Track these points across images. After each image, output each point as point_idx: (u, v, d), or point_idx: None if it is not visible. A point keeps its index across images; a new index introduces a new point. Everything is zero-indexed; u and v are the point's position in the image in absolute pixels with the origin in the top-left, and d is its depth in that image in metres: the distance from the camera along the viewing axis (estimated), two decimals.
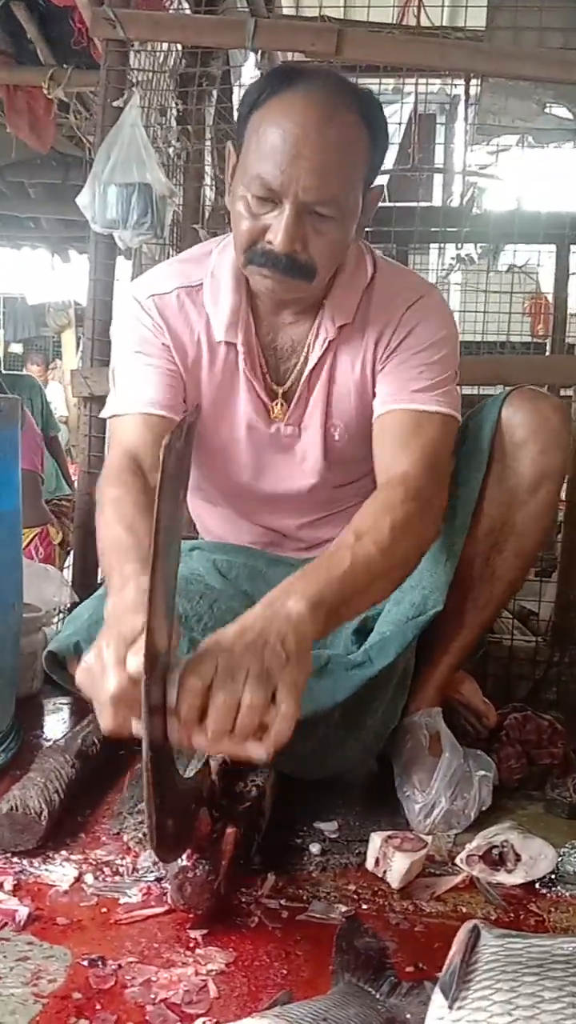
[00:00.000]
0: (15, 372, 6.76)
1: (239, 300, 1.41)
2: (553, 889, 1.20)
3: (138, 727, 0.95)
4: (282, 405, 1.46)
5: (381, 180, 1.41)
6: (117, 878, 1.18)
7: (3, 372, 4.99)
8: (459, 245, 4.57)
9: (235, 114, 1.35)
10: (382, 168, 1.38)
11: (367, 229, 1.51)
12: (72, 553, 2.34)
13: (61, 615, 2.03)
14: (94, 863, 1.21)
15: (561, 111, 2.06)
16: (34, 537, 3.44)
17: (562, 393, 2.57)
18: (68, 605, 2.04)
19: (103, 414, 1.53)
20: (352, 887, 1.19)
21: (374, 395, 1.44)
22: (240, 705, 0.95)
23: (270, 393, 1.46)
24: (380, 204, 1.42)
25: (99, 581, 2.11)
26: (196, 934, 1.05)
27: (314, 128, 1.20)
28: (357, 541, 1.17)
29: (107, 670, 0.96)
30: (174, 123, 2.59)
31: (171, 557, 1.01)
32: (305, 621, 1.04)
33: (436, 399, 1.38)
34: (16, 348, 11.62)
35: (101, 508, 1.30)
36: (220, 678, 0.95)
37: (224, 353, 1.44)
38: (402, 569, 1.25)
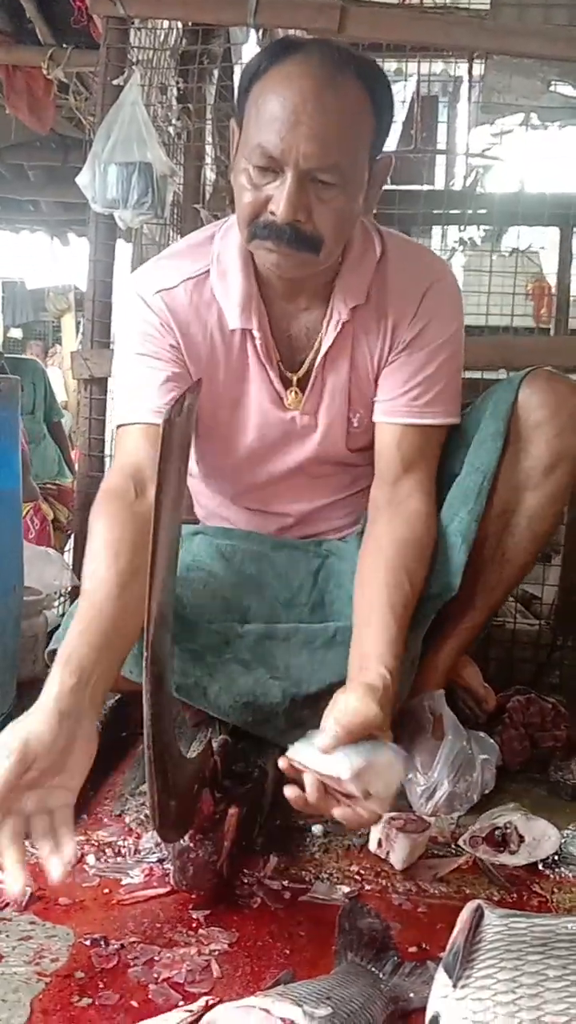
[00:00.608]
0: (18, 356, 6.71)
1: (250, 285, 1.37)
2: (556, 870, 1.20)
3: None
4: (296, 394, 1.43)
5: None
6: (119, 859, 1.18)
7: (7, 356, 4.96)
8: (462, 228, 4.54)
9: (236, 92, 1.32)
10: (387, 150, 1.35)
11: (372, 211, 1.48)
12: (72, 536, 2.33)
13: (62, 598, 2.02)
14: (96, 844, 1.21)
15: (566, 89, 2.03)
16: (29, 510, 3.44)
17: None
18: (69, 588, 2.04)
19: (113, 424, 1.49)
20: (355, 868, 1.19)
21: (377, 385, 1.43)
22: None
23: (284, 381, 1.42)
24: (385, 187, 1.40)
25: None
26: (199, 914, 1.05)
27: (313, 94, 1.17)
28: (413, 595, 1.29)
29: None
30: (175, 102, 2.56)
31: (171, 542, 1.01)
32: (390, 683, 1.16)
33: (443, 411, 1.42)
34: (16, 333, 11.59)
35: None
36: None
37: (239, 342, 1.40)
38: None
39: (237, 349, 1.41)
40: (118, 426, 1.42)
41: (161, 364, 1.38)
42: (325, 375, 1.42)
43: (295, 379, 1.42)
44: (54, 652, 1.39)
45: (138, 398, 1.37)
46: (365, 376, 1.43)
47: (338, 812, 1.04)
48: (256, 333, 1.38)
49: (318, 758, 1.02)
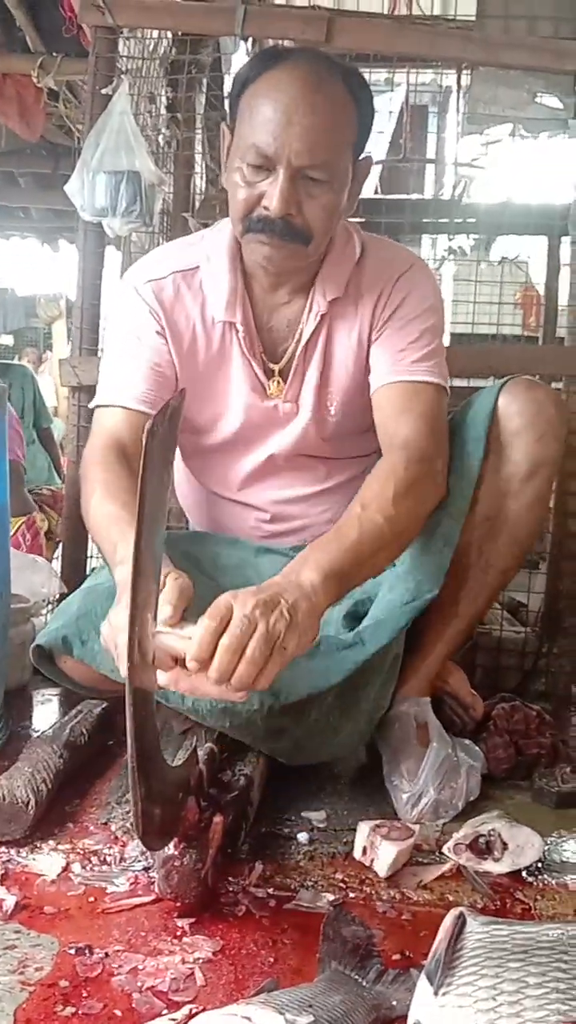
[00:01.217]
0: (7, 361, 6.72)
1: (236, 280, 1.44)
2: (540, 877, 1.21)
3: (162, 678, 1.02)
4: (279, 383, 1.49)
5: (374, 166, 1.44)
6: (104, 867, 1.18)
7: None
8: (451, 236, 4.57)
9: (226, 102, 1.39)
10: (374, 156, 1.41)
11: (360, 221, 1.53)
12: (61, 544, 2.33)
13: (50, 606, 2.02)
14: (82, 852, 1.21)
15: (552, 101, 2.05)
16: (20, 525, 3.44)
17: (553, 385, 2.57)
18: (57, 596, 2.03)
19: (91, 404, 1.53)
20: (339, 876, 1.19)
21: (368, 368, 1.47)
22: (242, 655, 1.00)
23: (267, 372, 1.49)
24: (372, 196, 1.45)
25: (87, 572, 2.11)
26: (183, 923, 1.05)
27: (303, 97, 1.27)
28: (363, 511, 1.23)
29: (123, 631, 1.00)
30: (164, 111, 2.57)
31: (156, 542, 1.01)
32: (318, 591, 1.10)
33: (430, 370, 1.43)
34: (7, 340, 11.57)
35: (91, 489, 1.32)
36: (232, 626, 1.01)
37: (221, 333, 1.47)
38: (407, 534, 1.31)
39: (220, 340, 1.47)
40: (97, 406, 1.47)
41: (146, 351, 1.45)
42: (305, 364, 1.49)
43: (277, 369, 1.49)
44: (40, 647, 1.41)
45: (120, 381, 1.44)
46: (341, 362, 1.49)
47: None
48: (240, 326, 1.45)
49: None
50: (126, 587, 1.02)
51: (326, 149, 1.28)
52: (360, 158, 1.39)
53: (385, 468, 1.32)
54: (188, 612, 1.06)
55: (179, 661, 1.02)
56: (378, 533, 1.21)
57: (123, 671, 0.99)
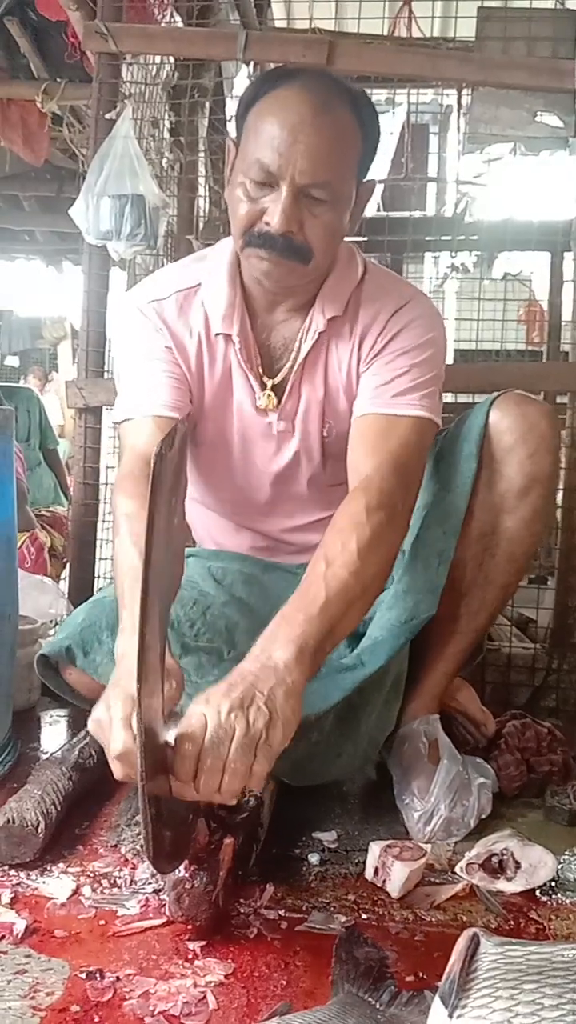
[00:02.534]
0: (12, 384, 6.76)
1: (234, 293, 1.44)
2: (553, 896, 1.20)
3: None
4: (270, 397, 1.47)
5: (376, 183, 1.44)
6: (115, 890, 1.17)
7: (0, 384, 5.00)
8: (453, 254, 4.59)
9: (228, 125, 1.40)
10: (376, 177, 1.41)
11: (362, 240, 1.53)
12: (68, 564, 2.33)
13: (57, 627, 2.02)
14: (92, 875, 1.20)
15: (552, 119, 2.07)
16: (25, 540, 3.45)
17: (557, 400, 2.57)
18: (64, 617, 2.04)
19: (113, 419, 1.53)
20: (351, 897, 1.18)
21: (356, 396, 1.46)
22: (225, 768, 0.99)
23: (261, 384, 1.48)
24: (375, 214, 1.46)
25: (95, 592, 2.11)
26: (194, 945, 1.05)
27: (310, 116, 1.27)
28: (328, 569, 1.18)
29: (113, 727, 1.01)
30: (167, 135, 2.60)
31: (166, 574, 1.01)
32: (292, 671, 1.07)
33: (412, 403, 1.39)
34: (12, 361, 11.64)
35: (116, 523, 1.31)
36: (208, 744, 0.99)
37: (222, 347, 1.47)
38: (376, 585, 1.26)
39: (221, 354, 1.47)
40: (123, 421, 1.45)
41: (161, 364, 1.45)
42: (302, 383, 1.47)
43: (271, 384, 1.47)
44: (44, 657, 1.41)
45: (143, 394, 1.43)
46: (335, 387, 1.47)
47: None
48: (236, 338, 1.44)
49: None
50: (122, 675, 1.05)
51: (330, 169, 1.29)
52: (364, 181, 1.39)
53: (346, 519, 1.25)
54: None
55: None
56: (345, 590, 1.17)
57: (115, 774, 1.01)
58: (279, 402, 1.47)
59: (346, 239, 1.44)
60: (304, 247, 1.32)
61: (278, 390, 1.47)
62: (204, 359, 1.47)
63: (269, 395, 1.47)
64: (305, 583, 1.19)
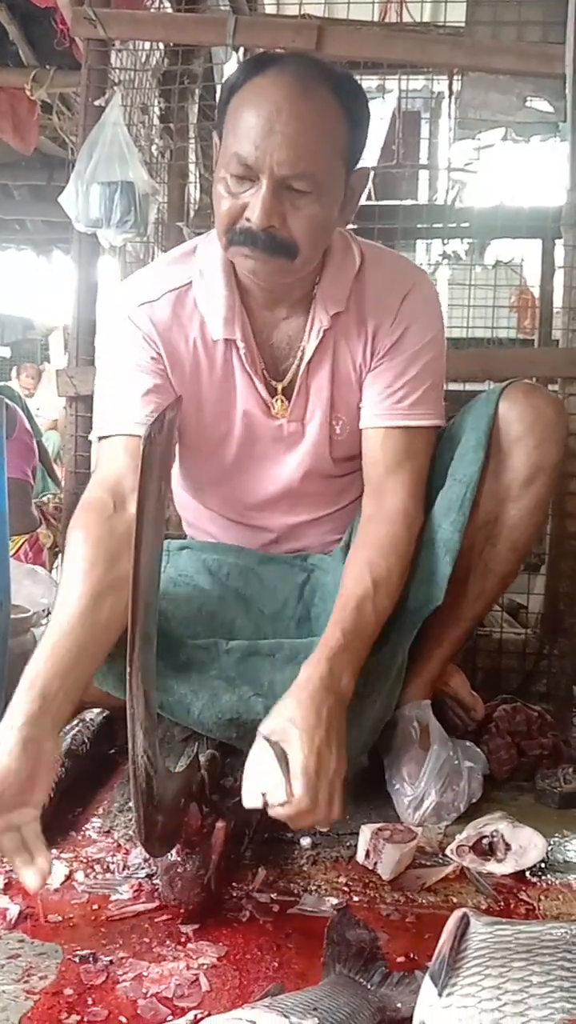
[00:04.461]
0: None
1: (232, 296, 1.38)
2: (543, 877, 1.21)
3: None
4: (283, 402, 1.44)
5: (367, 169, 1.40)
6: (108, 875, 1.18)
7: None
8: (445, 241, 4.59)
9: (217, 107, 1.35)
10: (368, 164, 1.37)
11: (352, 227, 1.51)
12: (60, 555, 2.33)
13: (49, 616, 2.02)
14: (85, 860, 1.21)
15: (542, 104, 2.06)
16: (23, 543, 3.45)
17: (549, 387, 2.57)
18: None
19: (91, 436, 1.51)
20: (343, 880, 1.19)
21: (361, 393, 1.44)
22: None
23: (270, 390, 1.44)
24: (365, 202, 1.42)
25: None
26: (187, 929, 1.05)
27: (286, 104, 1.21)
28: (376, 594, 1.29)
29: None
30: (157, 121, 2.59)
31: (153, 560, 1.01)
32: (350, 690, 1.20)
33: (427, 412, 1.42)
34: (4, 352, 11.58)
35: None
36: (320, 766, 1.09)
37: (222, 351, 1.42)
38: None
39: (221, 359, 1.42)
40: (99, 438, 1.44)
41: (143, 376, 1.39)
42: (309, 382, 1.44)
43: (280, 388, 1.44)
44: None
45: (119, 410, 1.39)
46: (347, 382, 1.44)
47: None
48: (240, 343, 1.39)
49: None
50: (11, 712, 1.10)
51: (311, 158, 1.22)
52: (356, 169, 1.33)
53: (389, 544, 1.35)
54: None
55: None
56: (384, 615, 1.30)
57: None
58: (288, 404, 1.44)
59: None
60: (288, 242, 1.26)
61: (286, 392, 1.44)
62: (201, 363, 1.42)
63: (282, 400, 1.44)
64: (354, 599, 1.27)
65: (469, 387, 2.07)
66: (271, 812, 1.06)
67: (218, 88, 2.94)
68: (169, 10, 2.72)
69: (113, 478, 1.34)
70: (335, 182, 1.28)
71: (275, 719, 1.11)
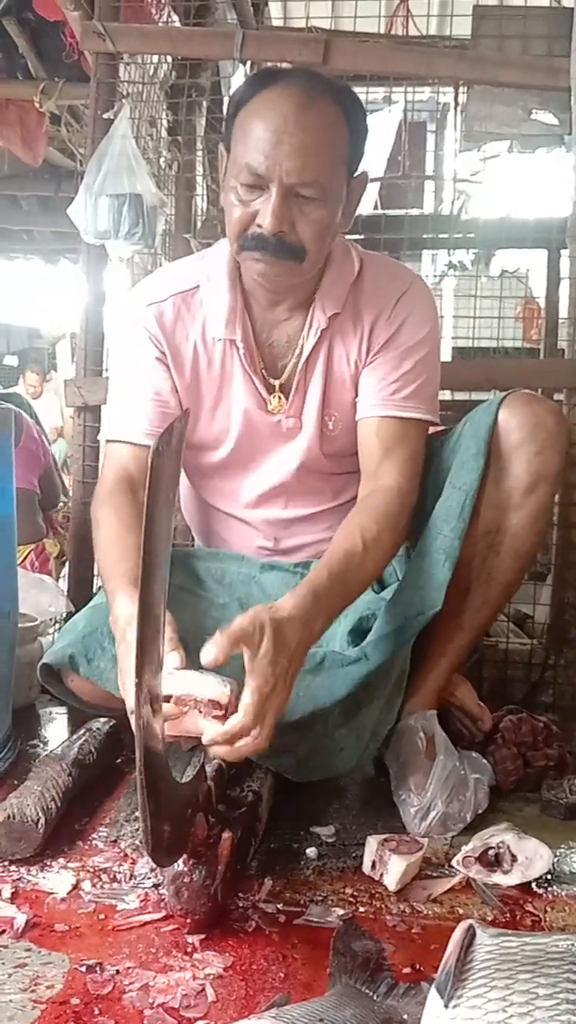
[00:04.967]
0: (5, 391, 6.77)
1: (235, 298, 1.46)
2: (549, 889, 1.21)
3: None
4: (280, 399, 1.50)
5: (372, 185, 1.44)
6: (114, 885, 1.18)
7: None
8: (451, 251, 4.60)
9: (224, 119, 1.41)
10: (371, 173, 1.42)
11: (358, 237, 1.54)
12: (67, 564, 2.34)
13: (57, 624, 2.03)
14: (91, 870, 1.21)
15: (547, 117, 2.08)
16: (29, 552, 3.45)
17: (555, 397, 2.58)
18: (64, 615, 2.04)
19: (100, 437, 1.56)
20: (349, 890, 1.19)
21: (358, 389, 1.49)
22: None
23: (268, 387, 1.50)
24: (372, 212, 1.47)
25: (94, 591, 2.12)
26: (193, 939, 1.06)
27: (293, 115, 1.29)
28: (364, 553, 1.30)
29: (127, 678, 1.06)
30: (164, 134, 2.60)
31: (162, 564, 1.02)
32: (318, 637, 1.21)
33: (419, 406, 1.46)
34: (11, 360, 11.63)
35: (96, 528, 1.39)
36: (273, 689, 1.09)
37: (222, 351, 1.49)
38: (381, 572, 1.41)
39: (221, 358, 1.49)
40: (107, 440, 1.51)
41: (148, 380, 1.48)
42: (307, 380, 1.50)
43: (278, 385, 1.50)
44: (47, 666, 1.43)
45: (126, 415, 1.48)
46: (341, 380, 1.50)
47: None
48: (240, 343, 1.46)
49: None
50: (120, 635, 1.12)
51: (317, 167, 1.30)
52: (355, 175, 1.41)
53: (384, 511, 1.38)
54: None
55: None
56: (367, 580, 1.34)
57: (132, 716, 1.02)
58: (287, 401, 1.50)
59: (345, 236, 1.46)
60: (297, 246, 1.34)
61: (284, 389, 1.50)
62: (201, 362, 1.49)
63: (279, 397, 1.50)
64: (343, 551, 1.29)
65: (475, 396, 2.08)
66: (203, 719, 1.07)
67: (225, 101, 2.97)
68: (177, 24, 2.74)
69: (124, 472, 1.44)
70: (339, 187, 1.36)
71: (247, 621, 1.10)
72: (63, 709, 1.83)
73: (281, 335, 1.50)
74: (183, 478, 1.65)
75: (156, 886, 1.16)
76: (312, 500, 1.60)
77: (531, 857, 1.22)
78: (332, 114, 1.32)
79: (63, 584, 2.35)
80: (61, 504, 3.93)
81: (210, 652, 1.04)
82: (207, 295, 1.48)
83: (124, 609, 1.19)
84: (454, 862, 1.24)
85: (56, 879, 1.18)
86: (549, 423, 1.45)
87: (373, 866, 1.21)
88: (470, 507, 1.44)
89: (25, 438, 3.59)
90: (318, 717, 1.29)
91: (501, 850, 1.23)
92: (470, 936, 0.89)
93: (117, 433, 1.49)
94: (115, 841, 1.29)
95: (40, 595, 2.05)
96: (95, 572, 2.23)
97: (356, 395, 1.50)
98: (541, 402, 1.49)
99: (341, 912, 1.13)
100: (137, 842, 1.27)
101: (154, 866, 1.16)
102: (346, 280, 1.47)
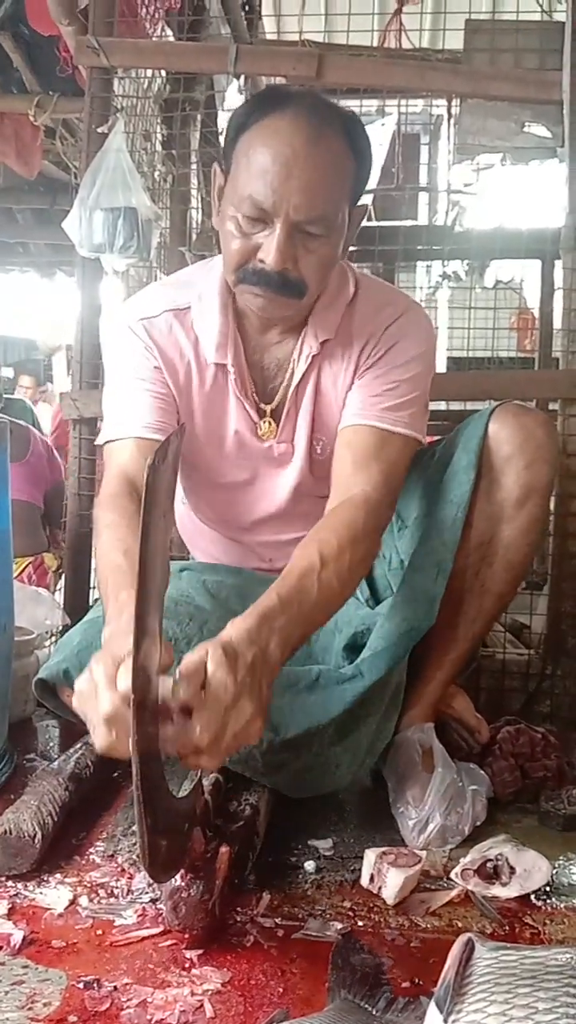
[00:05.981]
0: (6, 396, 6.75)
1: (227, 322, 1.43)
2: (548, 901, 1.20)
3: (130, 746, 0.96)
4: (270, 424, 1.48)
5: (366, 199, 1.44)
6: (112, 900, 1.17)
7: None
8: (445, 262, 4.62)
9: (220, 138, 1.40)
10: (366, 188, 1.42)
11: (353, 248, 1.54)
12: (63, 576, 2.34)
13: (53, 638, 2.03)
14: (89, 885, 1.20)
15: (539, 130, 2.09)
16: (27, 565, 3.45)
17: (549, 407, 2.59)
18: (60, 628, 2.04)
19: (97, 441, 1.55)
20: (347, 904, 1.19)
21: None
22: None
23: (259, 412, 1.48)
24: (365, 223, 1.46)
25: (90, 603, 2.12)
26: (191, 954, 1.05)
27: (303, 149, 1.24)
28: (323, 569, 1.21)
29: (98, 690, 0.97)
30: (159, 147, 2.62)
31: (159, 576, 1.02)
32: (278, 660, 1.10)
33: (402, 420, 1.41)
34: (7, 372, 11.64)
35: (98, 534, 1.33)
36: (232, 709, 1.00)
37: (214, 374, 1.47)
38: (351, 593, 1.31)
39: (213, 381, 1.47)
40: (106, 442, 1.46)
41: (148, 384, 1.44)
42: (297, 405, 1.48)
43: (269, 410, 1.48)
44: (42, 681, 1.41)
45: (128, 415, 1.43)
46: (328, 405, 1.48)
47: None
48: (231, 368, 1.44)
49: None
50: (106, 645, 1.03)
51: (324, 203, 1.26)
52: (356, 206, 1.37)
53: (346, 522, 1.29)
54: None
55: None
56: (332, 599, 1.23)
57: (97, 744, 0.98)
58: (277, 426, 1.48)
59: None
60: (299, 282, 1.31)
61: (275, 415, 1.48)
62: (194, 382, 1.47)
63: (269, 422, 1.48)
64: (299, 571, 1.20)
65: (470, 406, 2.08)
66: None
67: (219, 114, 2.99)
68: (171, 38, 2.76)
69: (128, 472, 1.37)
70: (342, 221, 1.33)
71: (194, 654, 1.03)
72: (59, 723, 1.83)
73: (272, 358, 1.48)
74: (178, 495, 1.63)
75: (154, 901, 1.16)
76: (307, 523, 1.57)
77: (530, 869, 1.22)
78: (340, 145, 1.28)
79: (59, 596, 2.34)
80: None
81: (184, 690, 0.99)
82: (199, 316, 1.45)
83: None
84: (452, 875, 1.24)
85: (53, 894, 1.17)
86: (539, 435, 1.44)
87: (371, 879, 1.21)
88: (462, 520, 1.43)
89: (31, 454, 3.60)
90: (313, 735, 1.28)
91: (500, 862, 1.23)
92: (469, 950, 0.88)
93: (115, 432, 1.44)
94: (112, 856, 1.28)
95: (36, 608, 2.05)
96: (92, 584, 2.23)
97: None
98: (530, 413, 1.49)
99: (339, 926, 1.12)
100: (134, 857, 1.27)
101: (151, 881, 1.16)
102: (340, 306, 1.45)
